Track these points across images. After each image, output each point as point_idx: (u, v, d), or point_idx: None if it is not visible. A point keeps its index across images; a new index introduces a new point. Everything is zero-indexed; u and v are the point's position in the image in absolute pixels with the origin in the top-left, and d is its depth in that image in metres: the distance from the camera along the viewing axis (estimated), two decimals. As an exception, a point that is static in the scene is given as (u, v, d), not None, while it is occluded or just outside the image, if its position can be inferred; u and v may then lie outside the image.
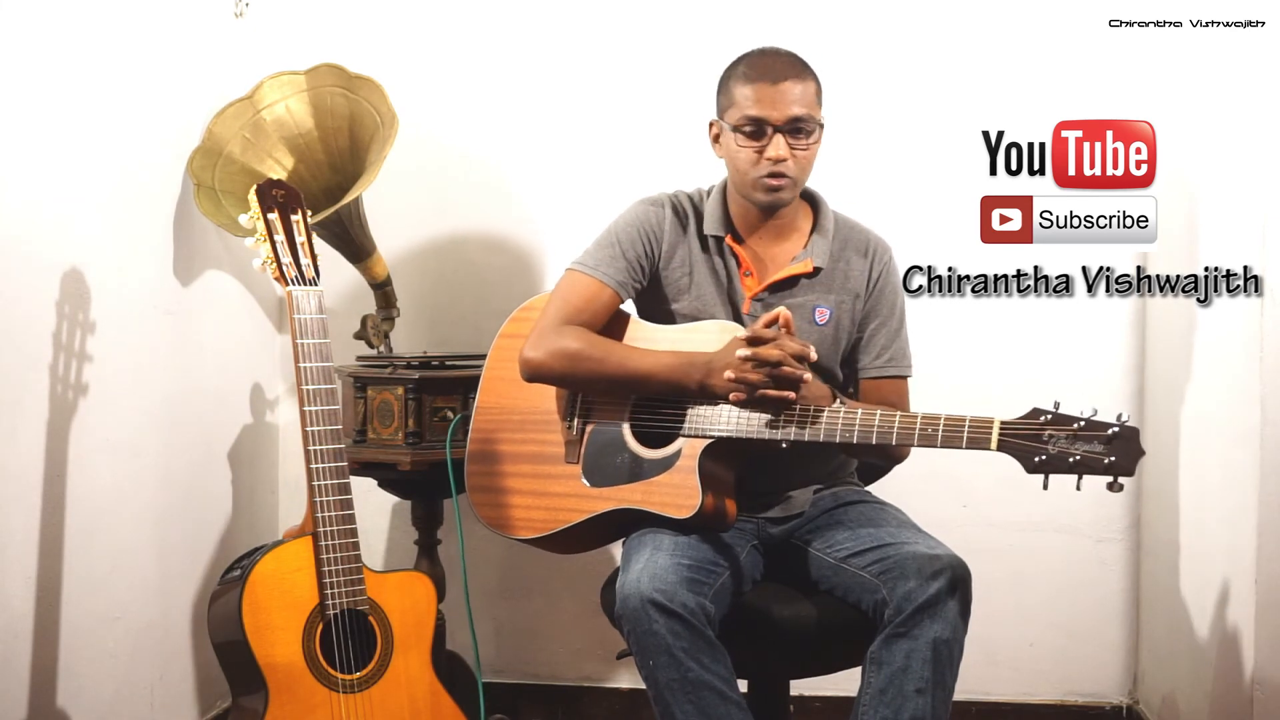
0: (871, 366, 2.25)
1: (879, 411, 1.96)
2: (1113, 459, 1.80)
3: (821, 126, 2.17)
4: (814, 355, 1.99)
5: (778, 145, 2.12)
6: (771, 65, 2.15)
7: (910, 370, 2.28)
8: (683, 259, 2.24)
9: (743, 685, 2.01)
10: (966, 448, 1.88)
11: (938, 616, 1.94)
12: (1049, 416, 1.84)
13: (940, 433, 1.90)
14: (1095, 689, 2.95)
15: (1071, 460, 1.81)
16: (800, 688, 2.84)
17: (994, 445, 1.86)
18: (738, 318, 2.21)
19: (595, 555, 2.37)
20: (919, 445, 1.93)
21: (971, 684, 2.58)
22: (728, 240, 2.23)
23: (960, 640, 1.96)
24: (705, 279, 2.23)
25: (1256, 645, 2.31)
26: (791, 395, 1.97)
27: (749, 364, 1.98)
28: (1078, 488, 1.82)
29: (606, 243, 2.24)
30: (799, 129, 2.13)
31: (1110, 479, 1.80)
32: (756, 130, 2.13)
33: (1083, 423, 1.82)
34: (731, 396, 2.00)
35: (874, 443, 1.96)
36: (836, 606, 2.10)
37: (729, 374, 1.99)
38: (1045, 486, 1.84)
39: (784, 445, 2.06)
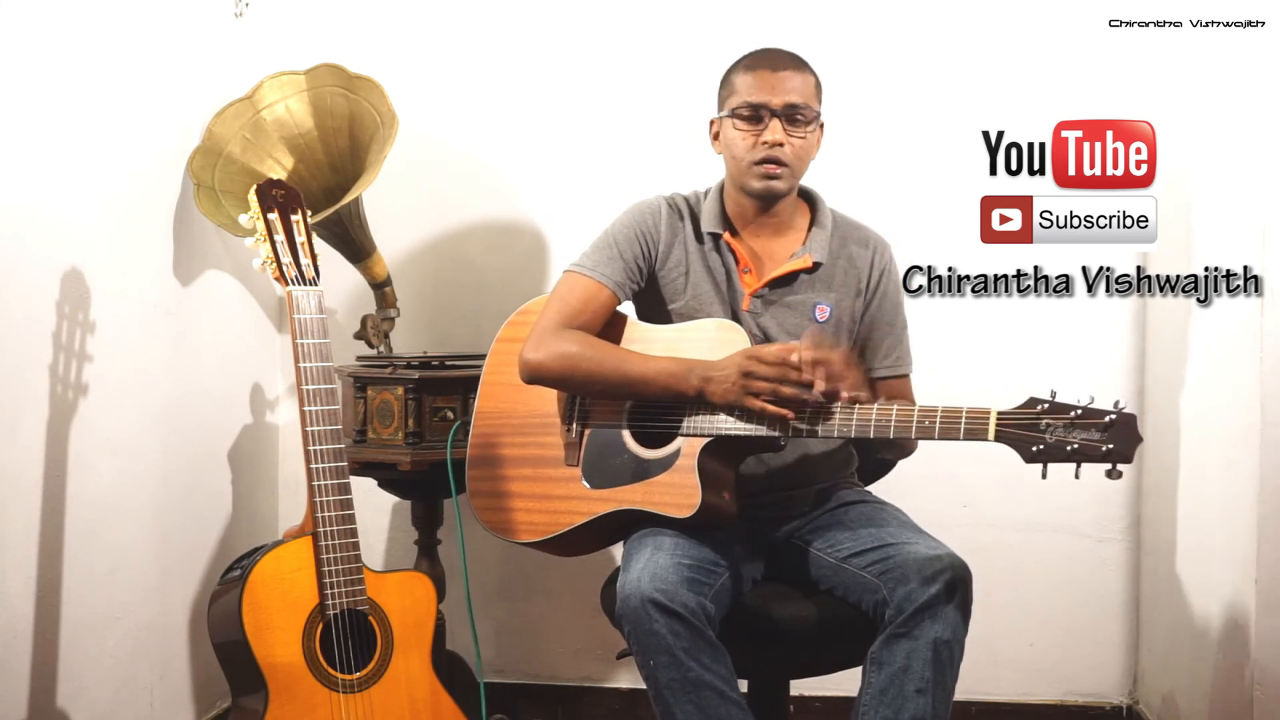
0: (881, 367, 2.26)
1: (876, 405, 1.96)
2: (1111, 446, 1.78)
3: (820, 121, 2.19)
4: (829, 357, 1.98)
5: (774, 130, 2.14)
6: (772, 56, 2.20)
7: (912, 366, 2.30)
8: (679, 260, 2.25)
9: (743, 685, 2.01)
10: (964, 439, 1.87)
11: (938, 617, 1.94)
12: (1046, 405, 1.83)
13: (937, 424, 1.89)
14: (1095, 689, 2.95)
15: (1069, 449, 1.80)
16: (800, 688, 2.84)
17: (991, 435, 1.85)
18: (735, 316, 2.22)
19: (595, 555, 2.37)
20: (917, 437, 1.92)
21: (971, 684, 2.57)
22: (725, 237, 2.23)
23: (961, 640, 1.96)
24: (702, 279, 2.23)
25: (1256, 645, 2.31)
26: (813, 396, 1.96)
27: (766, 379, 1.98)
28: (1076, 476, 1.81)
29: (604, 244, 2.24)
30: (796, 117, 2.15)
31: (1109, 467, 1.79)
32: (754, 115, 2.16)
33: (1079, 410, 1.81)
34: (770, 409, 1.99)
35: (872, 436, 1.96)
36: (837, 606, 2.10)
37: (761, 385, 1.98)
38: (1044, 476, 1.83)
39: (783, 443, 2.06)
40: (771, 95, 2.14)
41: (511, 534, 2.23)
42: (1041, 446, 1.81)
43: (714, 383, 2.03)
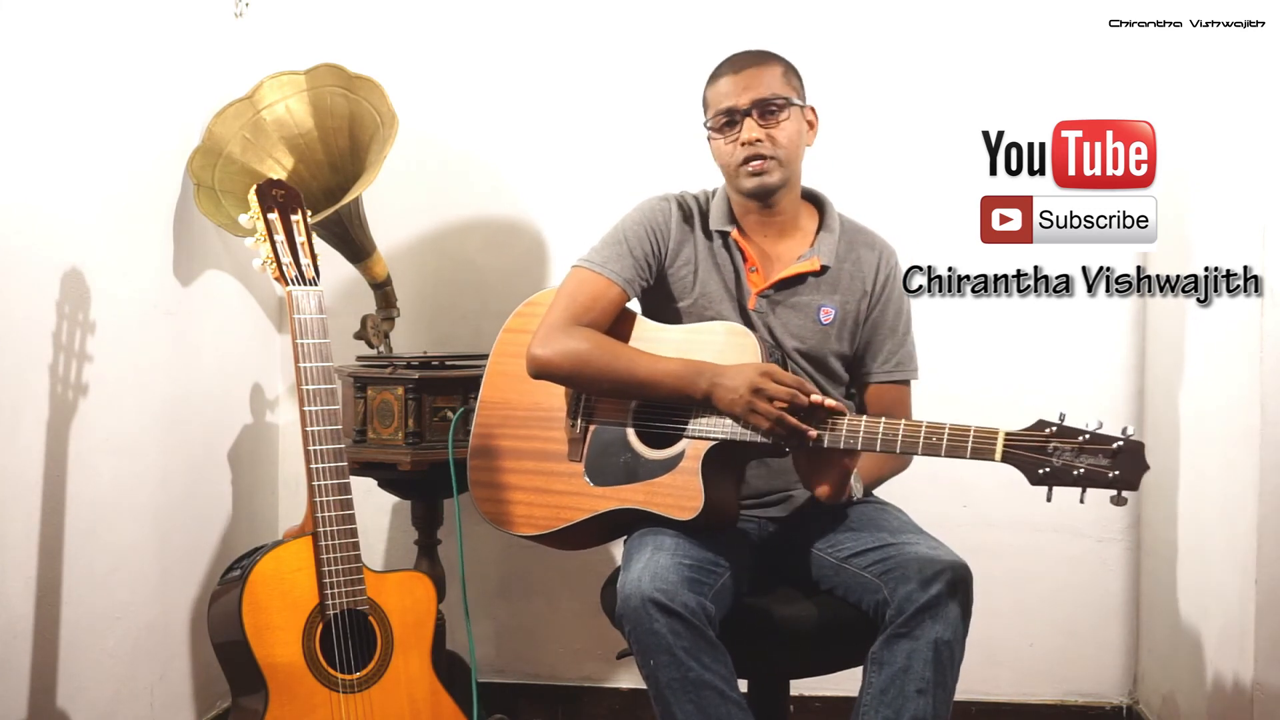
0: (879, 372, 2.27)
1: (883, 420, 1.96)
2: (1117, 473, 1.79)
3: (800, 105, 2.20)
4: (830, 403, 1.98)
5: (750, 128, 2.16)
6: (733, 60, 2.23)
7: (916, 374, 2.30)
8: (688, 257, 2.25)
9: (743, 685, 2.01)
10: (971, 458, 1.87)
11: (939, 617, 1.94)
12: (1054, 428, 1.83)
13: (945, 442, 1.89)
14: (1095, 689, 2.95)
15: (1076, 473, 1.80)
16: (800, 688, 2.84)
17: (998, 456, 1.85)
18: (743, 315, 2.22)
19: (595, 555, 2.37)
20: (923, 454, 1.92)
21: (972, 684, 2.57)
22: (734, 235, 2.24)
23: (961, 641, 1.96)
24: (710, 277, 2.23)
25: (1256, 645, 2.31)
26: (812, 433, 1.97)
27: (775, 400, 1.98)
28: (1081, 501, 1.82)
29: (614, 240, 2.24)
30: (768, 109, 2.17)
31: (1114, 493, 1.80)
32: (729, 121, 2.19)
33: (1088, 435, 1.81)
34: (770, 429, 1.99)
35: (878, 450, 1.96)
36: (837, 606, 2.10)
37: (767, 407, 1.98)
38: (1049, 499, 1.83)
39: (787, 451, 2.06)
40: (738, 97, 2.17)
41: (510, 526, 2.23)
42: (1048, 469, 1.82)
43: (723, 390, 2.03)
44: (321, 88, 2.79)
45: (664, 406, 2.13)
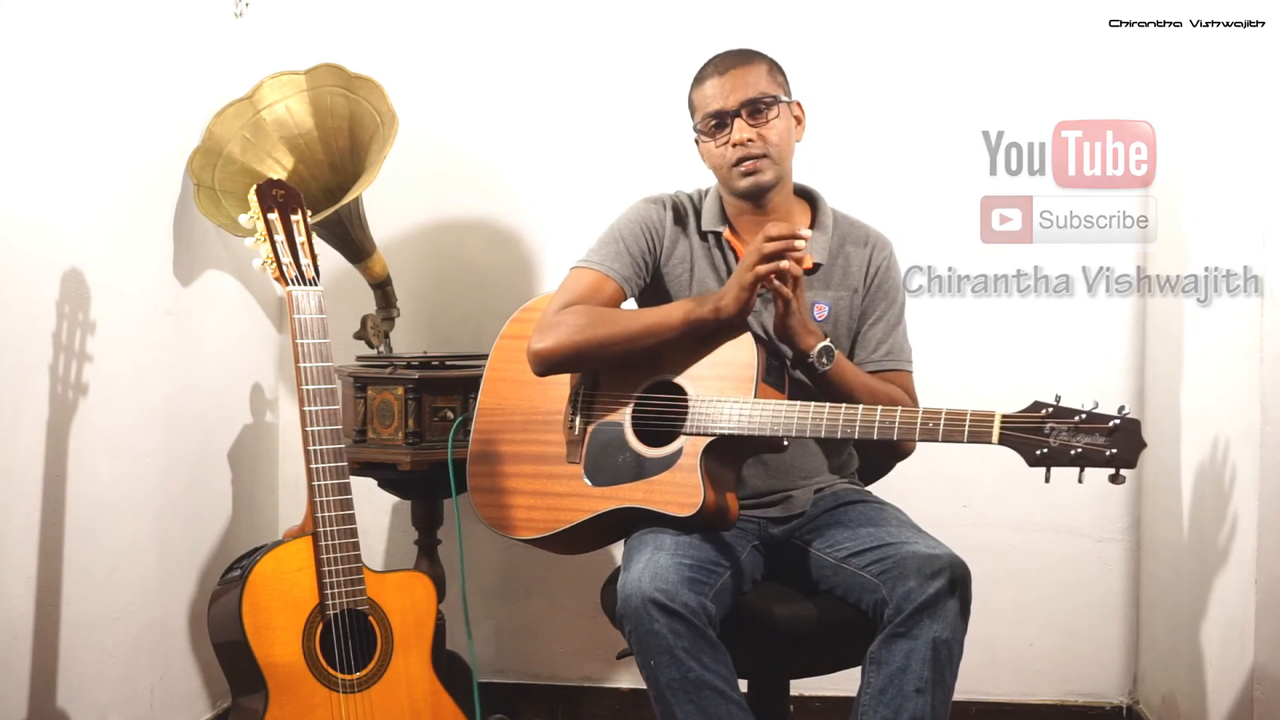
0: (869, 360, 2.25)
1: (880, 407, 1.96)
2: (1114, 451, 1.79)
3: (787, 101, 2.20)
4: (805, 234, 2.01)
5: (740, 129, 2.16)
6: (717, 61, 2.22)
7: (909, 365, 2.28)
8: (683, 255, 2.25)
9: (743, 685, 2.01)
10: (968, 441, 1.87)
11: (937, 616, 1.94)
12: (1050, 409, 1.83)
13: (942, 427, 1.89)
14: (1095, 689, 2.95)
15: (1073, 453, 1.80)
16: (800, 688, 2.84)
17: (995, 439, 1.85)
18: (739, 313, 2.22)
19: (595, 555, 2.37)
20: (920, 439, 1.92)
21: (971, 684, 2.58)
22: (726, 234, 2.24)
23: (960, 640, 1.96)
24: (706, 275, 2.24)
25: (1256, 645, 2.31)
26: (805, 234, 1.99)
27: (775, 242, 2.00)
28: (1080, 480, 1.81)
29: (610, 239, 2.24)
30: (756, 108, 2.17)
31: (1112, 471, 1.80)
32: (718, 123, 2.19)
33: (1084, 415, 1.81)
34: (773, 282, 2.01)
35: (875, 438, 1.95)
36: (836, 606, 2.10)
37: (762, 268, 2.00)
38: (1047, 479, 1.83)
39: (785, 443, 2.06)
40: (725, 99, 2.17)
41: (511, 530, 2.23)
42: (1045, 450, 1.81)
43: (727, 294, 2.05)
44: (321, 88, 2.79)
45: (661, 405, 2.13)
